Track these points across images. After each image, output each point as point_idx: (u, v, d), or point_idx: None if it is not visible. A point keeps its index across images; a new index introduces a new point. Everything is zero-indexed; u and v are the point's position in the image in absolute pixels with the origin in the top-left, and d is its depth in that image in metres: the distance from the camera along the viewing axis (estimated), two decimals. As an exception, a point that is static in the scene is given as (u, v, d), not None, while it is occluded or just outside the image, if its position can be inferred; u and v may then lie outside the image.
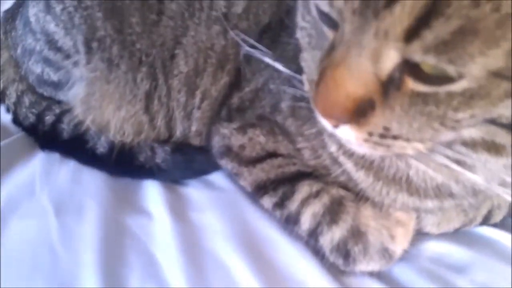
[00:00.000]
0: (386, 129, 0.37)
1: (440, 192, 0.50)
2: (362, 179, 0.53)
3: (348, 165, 0.53)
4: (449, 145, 0.40)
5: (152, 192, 0.67)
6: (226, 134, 0.63)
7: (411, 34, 0.31)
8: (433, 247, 0.57)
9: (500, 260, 0.54)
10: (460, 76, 0.32)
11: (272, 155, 0.60)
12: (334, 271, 0.54)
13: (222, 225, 0.60)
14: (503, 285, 0.52)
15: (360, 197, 0.54)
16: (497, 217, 0.59)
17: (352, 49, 0.35)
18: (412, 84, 0.35)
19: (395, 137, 0.38)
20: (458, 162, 0.42)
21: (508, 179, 0.44)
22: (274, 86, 0.62)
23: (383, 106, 0.36)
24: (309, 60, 0.44)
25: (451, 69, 0.32)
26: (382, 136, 0.38)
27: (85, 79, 0.70)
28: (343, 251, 0.52)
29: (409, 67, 0.34)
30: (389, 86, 0.35)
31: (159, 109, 0.70)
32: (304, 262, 0.55)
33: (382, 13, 0.32)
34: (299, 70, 0.50)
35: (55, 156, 0.74)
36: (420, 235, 0.57)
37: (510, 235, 0.57)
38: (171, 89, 0.69)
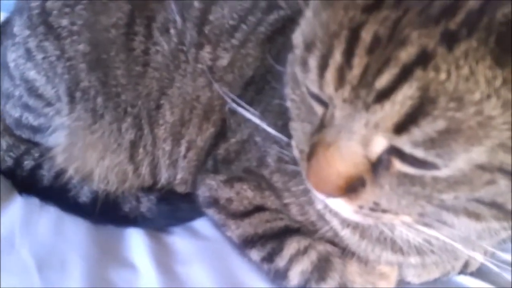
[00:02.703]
0: (376, 204, 0.39)
1: (422, 250, 0.52)
2: (348, 236, 0.54)
3: (335, 223, 0.54)
4: (431, 212, 0.42)
5: (136, 242, 0.67)
6: (213, 186, 0.64)
7: (401, 128, 0.33)
8: (415, 298, 0.59)
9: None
10: (446, 166, 0.34)
11: (260, 209, 0.61)
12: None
13: (210, 279, 0.60)
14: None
15: (346, 252, 0.56)
16: (474, 266, 0.62)
17: (342, 133, 0.36)
18: (399, 166, 0.36)
19: (384, 211, 0.40)
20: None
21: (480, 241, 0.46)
22: (259, 139, 0.63)
23: (373, 183, 0.38)
24: (299, 130, 0.45)
25: (438, 161, 0.34)
26: (372, 209, 0.40)
27: (67, 128, 0.69)
28: (332, 308, 0.54)
29: (397, 151, 0.36)
30: (378, 166, 0.37)
31: (144, 158, 0.70)
32: (292, 317, 0.56)
33: (372, 107, 0.34)
34: (285, 127, 0.51)
35: (35, 202, 0.72)
36: (402, 284, 0.59)
37: (485, 284, 0.60)
38: (156, 138, 0.69)
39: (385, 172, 0.37)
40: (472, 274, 0.62)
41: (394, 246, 0.52)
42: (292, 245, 0.57)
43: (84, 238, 0.67)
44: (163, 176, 0.71)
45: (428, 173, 0.36)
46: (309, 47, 0.38)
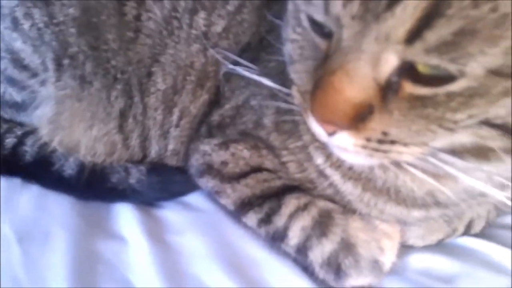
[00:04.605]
0: (385, 134, 0.37)
1: (426, 201, 0.51)
2: (349, 190, 0.52)
3: (335, 177, 0.52)
4: (436, 154, 0.40)
5: (125, 216, 0.63)
6: (206, 151, 0.61)
7: (413, 35, 0.32)
8: (419, 260, 0.56)
9: (485, 269, 0.55)
10: (461, 75, 0.33)
11: (257, 169, 0.58)
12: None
13: (204, 247, 0.57)
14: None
15: (347, 209, 0.54)
16: (478, 227, 0.60)
17: (350, 54, 0.35)
18: (410, 88, 0.35)
19: (393, 142, 0.38)
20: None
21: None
22: (255, 102, 0.61)
23: (381, 111, 0.36)
24: (301, 71, 0.44)
25: (452, 68, 0.32)
26: (380, 141, 0.38)
27: (54, 98, 0.66)
28: (334, 265, 0.51)
29: (407, 71, 0.34)
30: (387, 90, 0.36)
31: (134, 128, 0.67)
32: (293, 281, 0.53)
33: (383, 16, 0.32)
34: (283, 86, 0.50)
35: (16, 182, 0.68)
36: (404, 248, 0.57)
37: (490, 244, 0.58)
38: (147, 107, 0.66)
39: (394, 96, 0.36)
40: (476, 235, 0.60)
41: (398, 197, 0.51)
42: (291, 202, 0.55)
43: (69, 213, 0.63)
44: (154, 149, 0.68)
45: (442, 90, 0.34)
46: None
